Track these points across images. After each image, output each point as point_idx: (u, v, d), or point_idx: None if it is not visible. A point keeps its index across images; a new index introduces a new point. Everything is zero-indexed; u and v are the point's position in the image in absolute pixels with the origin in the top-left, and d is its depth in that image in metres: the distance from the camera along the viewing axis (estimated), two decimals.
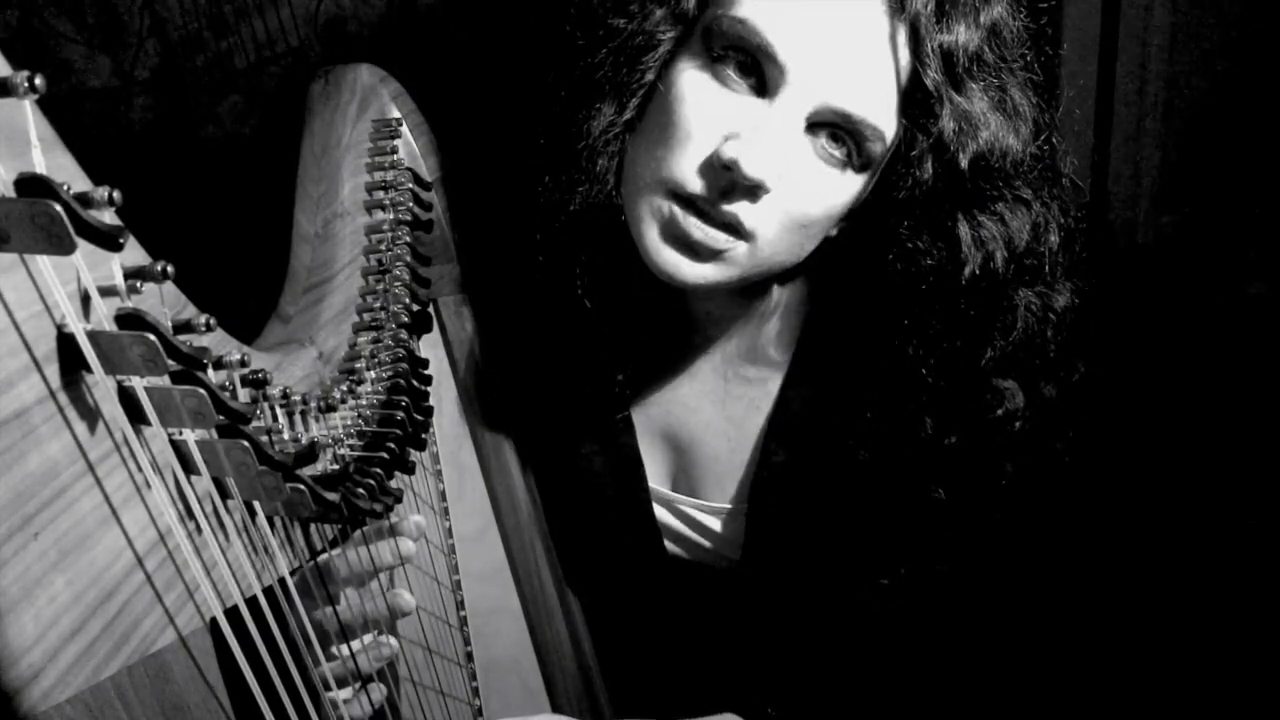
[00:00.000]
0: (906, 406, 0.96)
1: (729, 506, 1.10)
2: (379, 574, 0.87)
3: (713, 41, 0.88)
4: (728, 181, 0.86)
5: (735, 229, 0.89)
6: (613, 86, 0.93)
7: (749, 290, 1.03)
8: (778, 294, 1.06)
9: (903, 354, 0.95)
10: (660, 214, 0.90)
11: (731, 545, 1.11)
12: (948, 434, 0.96)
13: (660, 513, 1.13)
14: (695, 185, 0.88)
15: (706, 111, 0.87)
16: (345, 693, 0.86)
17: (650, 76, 0.92)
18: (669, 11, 0.91)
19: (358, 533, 0.87)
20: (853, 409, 0.99)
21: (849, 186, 0.90)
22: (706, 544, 1.13)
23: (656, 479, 1.13)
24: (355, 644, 0.85)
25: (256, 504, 0.60)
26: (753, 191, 0.87)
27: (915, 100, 0.87)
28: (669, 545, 1.15)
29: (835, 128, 0.87)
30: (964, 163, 0.87)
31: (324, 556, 0.82)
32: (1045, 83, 0.95)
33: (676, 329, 1.09)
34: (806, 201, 0.89)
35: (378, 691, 0.86)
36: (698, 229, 0.88)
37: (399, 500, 0.73)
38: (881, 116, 0.86)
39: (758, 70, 0.86)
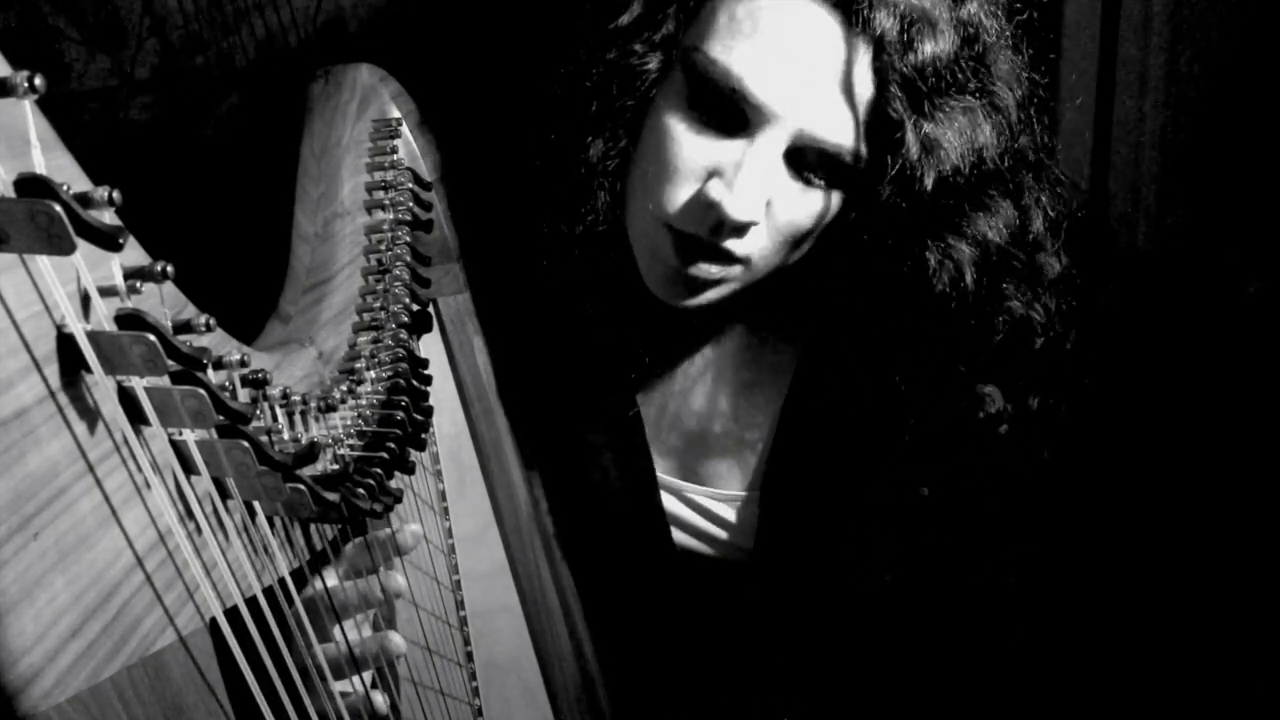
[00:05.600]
0: (890, 408, 0.97)
1: (743, 494, 1.11)
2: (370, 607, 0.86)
3: (690, 76, 0.89)
4: (715, 220, 0.88)
5: (729, 257, 0.91)
6: (605, 118, 0.95)
7: (754, 292, 1.03)
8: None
9: (881, 358, 0.96)
10: (658, 252, 0.93)
11: (745, 534, 1.11)
12: (931, 436, 0.97)
13: (671, 503, 1.13)
14: (687, 224, 0.90)
15: (690, 151, 0.90)
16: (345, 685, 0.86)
17: (640, 107, 0.94)
18: (649, 43, 0.92)
19: (350, 555, 0.86)
20: (852, 404, 1.00)
21: (834, 201, 0.92)
22: (719, 533, 1.13)
23: (666, 470, 1.13)
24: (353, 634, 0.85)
25: (256, 504, 0.60)
26: (740, 230, 0.89)
27: (881, 124, 0.87)
28: (680, 538, 1.15)
29: (814, 154, 0.88)
30: (929, 186, 0.87)
31: (310, 591, 0.80)
32: (1038, 50, 0.94)
33: (685, 325, 1.10)
34: (794, 220, 0.91)
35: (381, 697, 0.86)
36: (693, 269, 0.92)
37: (399, 500, 0.73)
38: (854, 139, 0.87)
39: (735, 109, 0.87)
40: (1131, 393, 1.27)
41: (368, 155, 0.95)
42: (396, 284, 0.87)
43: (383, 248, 0.90)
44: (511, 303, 1.09)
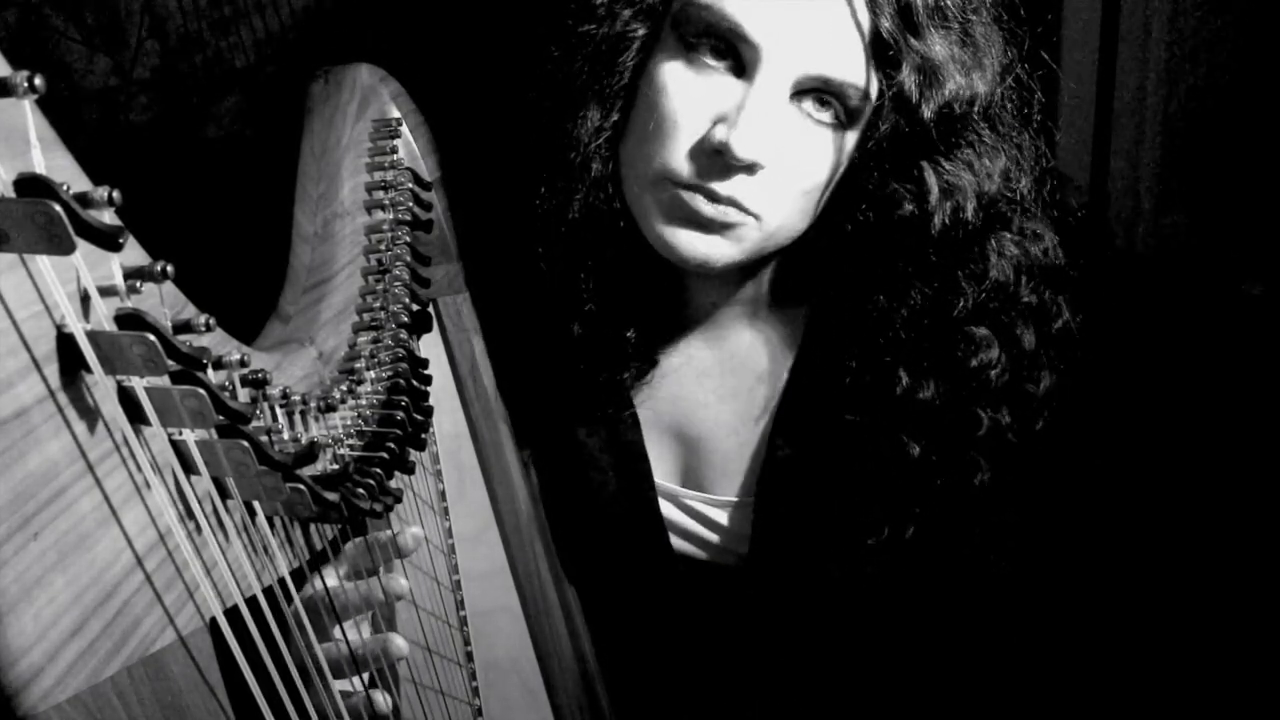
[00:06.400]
0: (883, 359, 0.97)
1: (735, 499, 1.11)
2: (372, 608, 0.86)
3: (684, 30, 0.89)
4: (722, 164, 0.87)
5: (740, 206, 0.90)
6: (594, 91, 0.95)
7: (752, 279, 1.03)
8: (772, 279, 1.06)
9: (875, 306, 0.95)
10: (666, 202, 0.91)
11: (738, 539, 1.11)
12: (923, 386, 0.97)
13: (666, 508, 1.13)
14: (692, 172, 0.89)
15: (690, 99, 0.88)
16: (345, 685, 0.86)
17: (629, 77, 0.94)
18: (636, 10, 0.92)
19: (350, 555, 0.86)
20: (844, 375, 0.99)
21: (845, 144, 0.91)
22: (713, 538, 1.13)
23: (663, 474, 1.13)
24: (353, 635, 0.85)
25: (256, 504, 0.60)
26: (749, 169, 0.88)
27: (880, 51, 0.87)
28: (675, 542, 1.15)
29: (819, 93, 0.88)
30: (928, 112, 0.87)
31: (310, 591, 0.79)
32: (1014, 22, 0.95)
33: (682, 325, 1.10)
34: (806, 167, 0.90)
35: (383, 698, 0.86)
36: (706, 205, 0.89)
37: (399, 500, 0.73)
38: (860, 74, 0.87)
39: (733, 52, 0.87)
40: (1130, 392, 1.27)
41: (368, 155, 0.95)
42: (396, 284, 0.87)
43: (383, 248, 0.90)
44: (512, 302, 1.10)
